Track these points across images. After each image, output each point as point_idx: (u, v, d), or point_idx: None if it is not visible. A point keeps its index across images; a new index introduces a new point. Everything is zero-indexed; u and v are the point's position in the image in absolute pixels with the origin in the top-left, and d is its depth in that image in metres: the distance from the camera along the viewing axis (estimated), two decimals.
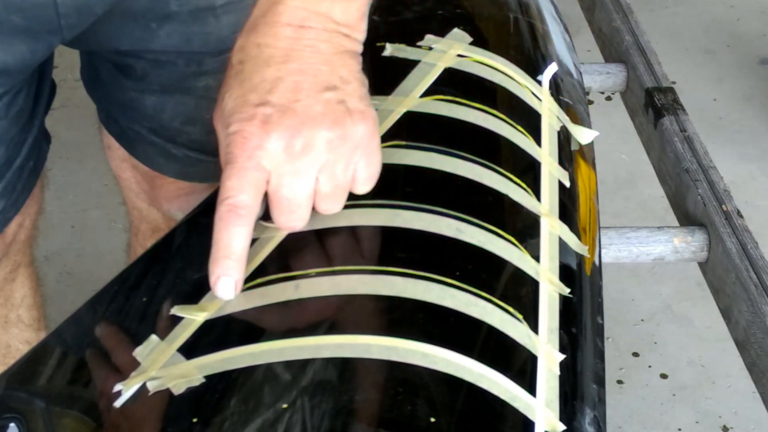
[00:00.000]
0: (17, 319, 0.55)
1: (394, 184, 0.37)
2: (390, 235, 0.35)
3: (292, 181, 0.33)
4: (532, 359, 0.32)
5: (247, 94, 0.34)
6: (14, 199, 0.46)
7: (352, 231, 0.36)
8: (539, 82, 0.48)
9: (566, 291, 0.36)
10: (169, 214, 0.55)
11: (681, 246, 0.48)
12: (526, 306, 0.34)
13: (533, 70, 0.48)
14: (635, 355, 0.94)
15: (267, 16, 0.35)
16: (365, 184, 0.35)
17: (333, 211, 0.35)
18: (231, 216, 0.32)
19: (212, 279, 0.33)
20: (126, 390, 0.31)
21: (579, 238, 0.40)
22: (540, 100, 0.46)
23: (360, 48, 0.37)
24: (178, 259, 0.37)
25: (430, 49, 0.44)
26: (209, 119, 0.49)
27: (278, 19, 0.34)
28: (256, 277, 0.34)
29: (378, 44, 0.46)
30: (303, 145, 0.33)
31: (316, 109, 0.33)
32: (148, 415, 0.30)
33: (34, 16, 0.40)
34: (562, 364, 0.33)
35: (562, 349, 0.33)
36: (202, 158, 0.49)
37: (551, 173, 0.42)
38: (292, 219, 0.34)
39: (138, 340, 0.33)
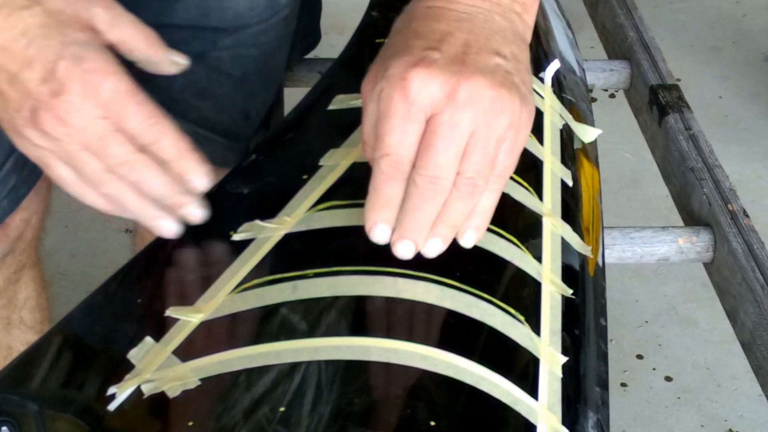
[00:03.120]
0: (19, 321, 0.55)
1: None
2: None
3: (448, 132, 0.31)
4: (534, 361, 0.32)
5: (413, 41, 0.32)
6: (25, 176, 0.46)
7: (352, 231, 0.35)
8: (541, 80, 0.47)
9: (569, 292, 0.36)
10: None
11: (686, 246, 0.48)
12: (528, 307, 0.34)
13: (535, 67, 0.47)
14: (639, 357, 0.93)
15: None
16: (501, 174, 0.32)
17: (473, 191, 0.32)
18: (393, 171, 0.32)
19: (369, 225, 0.33)
20: (120, 393, 0.30)
21: (582, 238, 0.40)
22: (542, 97, 0.46)
23: (529, 36, 0.35)
24: (174, 259, 0.37)
25: None
26: (221, 95, 0.49)
27: None
28: (253, 278, 0.34)
29: (377, 41, 0.45)
30: (467, 96, 0.31)
31: (485, 67, 0.31)
32: (142, 419, 0.30)
33: None
34: (564, 367, 0.32)
35: (564, 351, 0.33)
36: (211, 137, 0.49)
37: (553, 172, 0.42)
38: (437, 173, 0.31)
39: (132, 342, 0.32)
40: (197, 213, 0.36)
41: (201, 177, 0.35)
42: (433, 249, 0.33)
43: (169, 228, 0.36)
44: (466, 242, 0.34)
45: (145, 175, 0.34)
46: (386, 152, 0.32)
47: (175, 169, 0.34)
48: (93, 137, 0.33)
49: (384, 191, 0.32)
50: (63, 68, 0.33)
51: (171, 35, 0.45)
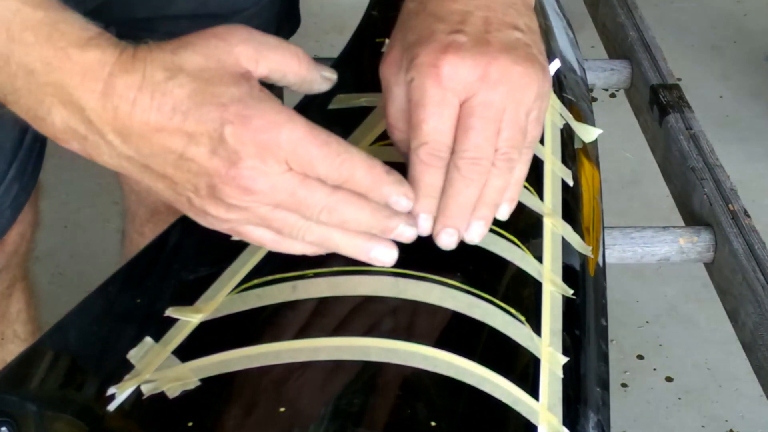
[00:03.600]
0: (13, 335, 0.55)
1: None
2: None
3: (485, 112, 0.31)
4: (535, 362, 0.32)
5: (435, 24, 0.32)
6: (25, 183, 0.45)
7: None
8: None
9: (569, 292, 0.36)
10: None
11: (686, 246, 0.48)
12: (529, 307, 0.34)
13: None
14: (640, 357, 0.93)
15: None
16: (531, 144, 0.33)
17: (510, 166, 0.32)
18: (432, 159, 0.32)
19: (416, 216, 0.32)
20: (120, 393, 0.30)
21: (582, 238, 0.40)
22: None
23: (533, 3, 0.36)
24: (173, 259, 0.37)
25: None
26: None
27: None
28: (253, 278, 0.34)
29: (377, 40, 0.45)
30: (498, 76, 0.31)
31: (508, 44, 0.32)
32: (142, 420, 0.30)
33: None
34: (565, 367, 0.32)
35: (565, 352, 0.33)
36: None
37: (554, 172, 0.42)
38: (479, 153, 0.31)
39: (132, 342, 0.32)
40: (409, 232, 0.32)
41: (404, 198, 0.32)
42: (478, 233, 0.33)
43: (386, 256, 0.32)
44: (502, 215, 0.34)
45: (347, 214, 0.31)
46: (424, 140, 0.32)
47: (375, 197, 0.31)
48: (283, 195, 0.30)
49: (425, 180, 0.32)
50: (230, 134, 0.29)
51: (170, 26, 0.45)
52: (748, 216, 0.48)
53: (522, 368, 0.31)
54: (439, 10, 0.33)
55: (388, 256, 0.32)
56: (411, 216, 0.33)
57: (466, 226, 0.33)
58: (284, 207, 0.31)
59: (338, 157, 0.30)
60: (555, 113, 0.45)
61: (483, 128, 0.32)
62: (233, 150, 0.29)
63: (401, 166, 0.33)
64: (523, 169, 0.34)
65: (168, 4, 0.44)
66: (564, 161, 0.43)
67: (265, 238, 0.32)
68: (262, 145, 0.29)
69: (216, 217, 0.31)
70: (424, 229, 0.33)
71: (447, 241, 0.33)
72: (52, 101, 0.30)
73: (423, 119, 0.32)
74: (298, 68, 0.32)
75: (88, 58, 0.29)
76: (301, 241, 0.32)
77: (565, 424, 0.30)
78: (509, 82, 0.32)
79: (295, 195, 0.30)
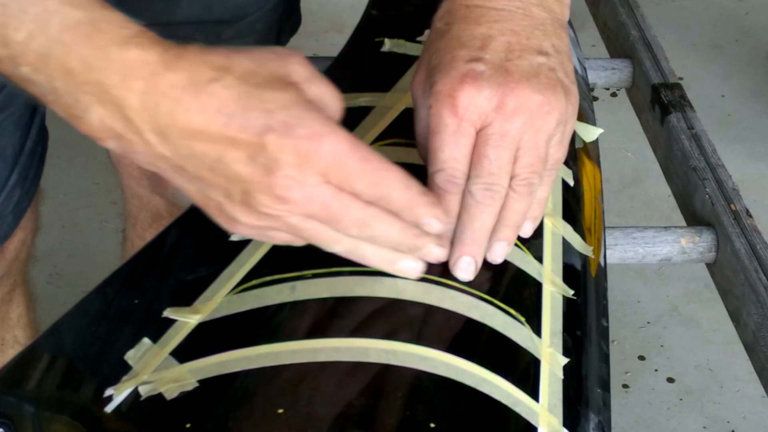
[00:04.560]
0: (14, 340, 0.55)
1: None
2: None
3: (499, 141, 0.32)
4: (535, 363, 0.32)
5: (456, 50, 0.32)
6: (27, 188, 0.45)
7: None
8: None
9: (570, 293, 0.36)
10: (174, 198, 0.54)
11: (688, 246, 0.47)
12: (529, 308, 0.34)
13: None
14: (641, 358, 0.93)
15: None
16: (554, 166, 0.33)
17: (530, 191, 0.33)
18: (449, 185, 0.32)
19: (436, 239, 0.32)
20: (117, 395, 0.30)
21: (583, 238, 0.40)
22: None
23: (568, 14, 0.35)
24: (171, 259, 0.36)
25: None
26: None
27: None
28: (251, 279, 0.33)
29: (377, 39, 0.45)
30: (515, 105, 0.31)
31: (529, 71, 0.32)
32: (140, 421, 0.29)
33: None
34: (565, 368, 0.32)
35: (565, 353, 0.33)
36: None
37: None
38: (492, 179, 0.32)
39: (129, 343, 0.32)
40: (437, 252, 0.32)
41: (435, 222, 0.31)
42: (500, 253, 0.33)
43: (412, 269, 0.32)
44: (525, 233, 0.35)
45: (377, 230, 0.31)
46: (440, 167, 0.32)
47: (405, 218, 0.31)
48: (316, 206, 0.29)
49: (441, 206, 0.32)
50: (273, 141, 0.28)
51: (175, 32, 0.44)
52: (750, 216, 0.48)
53: (522, 369, 0.31)
54: (463, 33, 0.33)
55: (413, 270, 0.32)
56: (440, 237, 0.32)
57: (482, 253, 0.33)
58: (316, 218, 0.30)
59: (377, 174, 0.30)
60: None
61: (497, 156, 0.32)
62: (273, 158, 0.28)
63: (401, 167, 0.33)
64: (546, 190, 0.34)
65: (171, 10, 0.44)
66: (565, 161, 0.43)
67: (296, 241, 0.31)
68: (303, 155, 0.29)
69: (245, 224, 0.30)
70: (441, 256, 0.33)
71: (465, 271, 0.33)
72: (90, 100, 0.29)
73: (439, 147, 0.32)
74: (336, 108, 0.31)
75: (128, 56, 0.28)
76: (329, 249, 0.31)
77: (565, 425, 0.30)
78: (527, 111, 0.32)
79: (328, 207, 0.30)
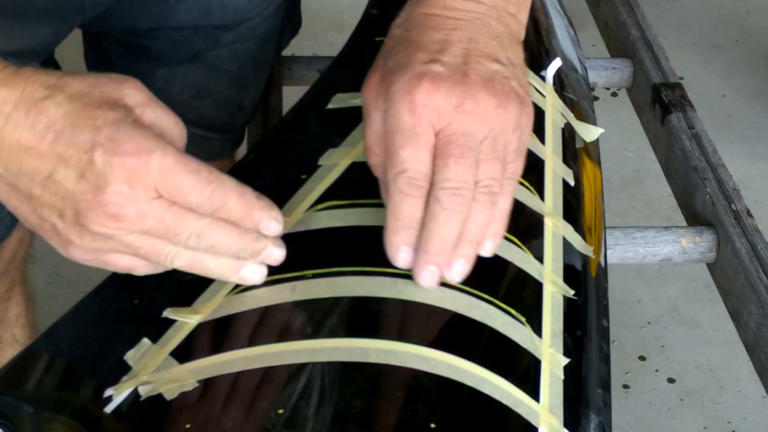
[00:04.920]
0: (12, 339, 0.55)
1: None
2: None
3: (462, 140, 0.31)
4: (536, 363, 0.31)
5: (414, 53, 0.32)
6: None
7: (351, 232, 0.35)
8: (543, 78, 0.47)
9: (571, 293, 0.35)
10: None
11: (689, 246, 0.47)
12: (530, 308, 0.34)
13: (537, 65, 0.47)
14: (641, 358, 0.93)
15: None
16: (513, 177, 0.33)
17: (492, 199, 0.32)
18: (411, 188, 0.31)
19: (392, 250, 0.32)
20: (117, 395, 0.30)
21: (584, 238, 0.39)
22: (543, 96, 0.45)
23: (523, 34, 0.36)
24: None
25: None
26: (218, 93, 0.46)
27: None
28: None
29: (377, 39, 0.45)
30: (473, 106, 0.31)
31: (485, 76, 0.32)
32: (139, 421, 0.29)
33: None
34: (566, 368, 0.32)
35: (566, 353, 0.33)
36: (209, 135, 0.48)
37: (555, 171, 0.41)
38: (459, 182, 0.31)
39: (129, 343, 0.32)
40: (277, 254, 0.33)
41: (274, 223, 0.32)
42: (459, 271, 0.32)
43: (254, 276, 0.32)
44: (486, 251, 0.33)
45: (215, 239, 0.31)
46: (401, 168, 0.31)
47: (245, 225, 0.31)
48: (151, 222, 0.30)
49: (404, 211, 0.31)
50: (100, 157, 0.29)
51: (173, 35, 0.44)
52: (751, 216, 0.48)
53: (522, 369, 0.31)
54: (422, 38, 0.33)
55: (257, 275, 0.32)
56: (278, 239, 0.32)
57: (448, 264, 0.32)
58: (152, 234, 0.30)
59: (209, 186, 0.30)
60: (556, 112, 0.45)
61: (461, 155, 0.31)
62: (101, 173, 0.29)
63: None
64: (506, 202, 0.33)
65: (170, 14, 0.44)
66: (565, 161, 0.43)
67: (136, 265, 0.31)
68: (131, 170, 0.29)
69: (80, 247, 0.30)
70: (405, 262, 0.32)
71: (428, 279, 0.32)
72: None
73: (399, 146, 0.31)
74: (177, 136, 0.31)
75: None
76: (170, 266, 0.31)
77: (566, 425, 0.30)
78: (485, 114, 0.32)
79: (163, 221, 0.30)
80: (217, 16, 0.45)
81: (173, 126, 0.32)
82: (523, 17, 0.36)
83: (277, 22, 0.50)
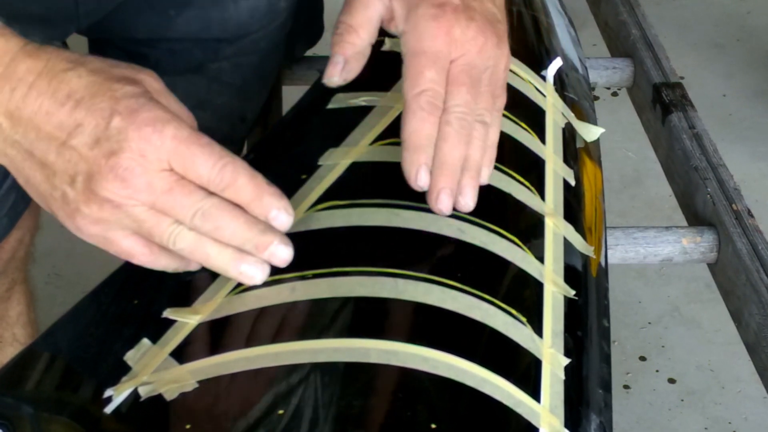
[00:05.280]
0: (12, 338, 0.55)
1: (393, 183, 0.36)
2: (389, 236, 0.35)
3: (472, 71, 0.34)
4: (536, 363, 0.31)
5: None
6: (23, 192, 0.45)
7: (351, 232, 0.35)
8: (543, 78, 0.47)
9: (571, 293, 0.35)
10: None
11: (690, 246, 0.47)
12: (530, 308, 0.33)
13: (537, 65, 0.47)
14: (642, 359, 0.93)
15: None
16: (500, 109, 0.36)
17: (485, 126, 0.35)
18: (432, 108, 0.34)
19: (413, 168, 0.34)
20: (117, 395, 0.30)
21: (584, 238, 0.39)
22: (544, 96, 0.45)
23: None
24: None
25: None
26: (220, 105, 0.47)
27: None
28: None
29: (377, 39, 0.45)
30: (484, 41, 0.35)
31: (487, 15, 0.36)
32: (139, 422, 0.29)
33: (53, 3, 0.40)
34: (567, 369, 0.32)
35: (567, 353, 0.33)
36: None
37: (556, 171, 0.41)
38: (467, 108, 0.34)
39: (129, 343, 0.32)
40: (283, 253, 0.31)
41: (284, 214, 0.31)
42: (471, 196, 0.35)
43: (255, 274, 0.31)
44: (484, 179, 0.36)
45: (221, 221, 0.30)
46: (425, 88, 0.34)
47: (253, 210, 0.31)
48: (159, 193, 0.30)
49: (425, 130, 0.33)
50: (117, 124, 0.29)
51: (171, 46, 0.44)
52: (752, 216, 0.48)
53: (523, 370, 0.31)
54: None
55: (258, 273, 0.31)
56: (286, 237, 0.32)
57: (460, 188, 0.34)
58: (158, 208, 0.30)
59: (221, 160, 0.30)
60: (557, 112, 0.45)
61: (472, 85, 0.34)
62: (116, 140, 0.29)
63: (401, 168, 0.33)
64: (495, 132, 0.36)
65: (169, 26, 0.44)
66: (566, 160, 0.43)
67: (135, 249, 0.31)
68: (146, 138, 0.29)
69: (87, 216, 0.30)
70: (425, 182, 0.34)
71: (445, 203, 0.34)
72: None
73: (425, 66, 0.34)
74: (191, 125, 0.32)
75: None
76: (170, 253, 0.31)
77: (566, 426, 0.30)
78: (490, 50, 0.35)
79: (169, 194, 0.30)
80: (218, 30, 0.45)
81: (185, 117, 0.32)
82: None
83: (282, 37, 0.50)
